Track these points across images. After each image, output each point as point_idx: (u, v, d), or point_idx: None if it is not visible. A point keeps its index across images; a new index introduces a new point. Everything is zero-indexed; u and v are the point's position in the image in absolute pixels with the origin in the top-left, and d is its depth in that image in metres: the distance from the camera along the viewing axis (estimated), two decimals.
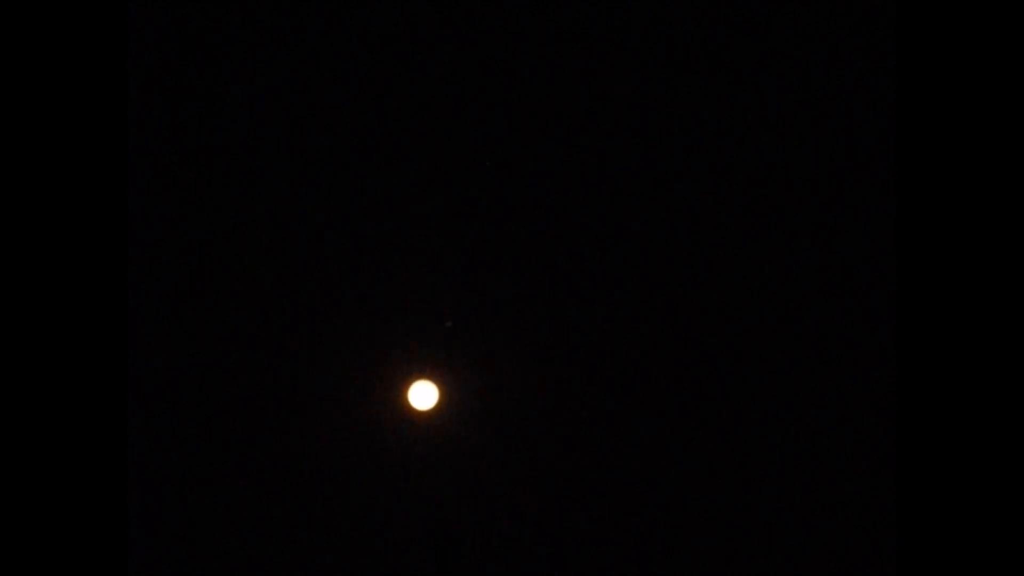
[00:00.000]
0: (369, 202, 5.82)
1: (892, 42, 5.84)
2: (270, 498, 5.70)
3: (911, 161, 4.56)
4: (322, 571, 5.68)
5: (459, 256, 5.80)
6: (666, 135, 5.96)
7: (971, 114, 4.50)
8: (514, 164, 5.86)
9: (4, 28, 4.44)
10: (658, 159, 5.94)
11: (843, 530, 5.84)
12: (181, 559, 5.67)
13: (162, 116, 5.87)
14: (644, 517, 5.80)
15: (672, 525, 5.78)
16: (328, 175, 5.84)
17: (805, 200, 5.93)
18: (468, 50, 5.94)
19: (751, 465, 5.85)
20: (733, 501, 5.83)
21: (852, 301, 5.92)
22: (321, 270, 5.79)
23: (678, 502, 5.79)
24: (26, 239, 4.41)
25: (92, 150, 4.49)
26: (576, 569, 5.77)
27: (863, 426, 5.87)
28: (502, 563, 5.70)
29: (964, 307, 4.44)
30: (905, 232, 4.54)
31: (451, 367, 5.63)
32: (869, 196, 5.91)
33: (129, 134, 5.43)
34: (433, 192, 5.85)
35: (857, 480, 5.85)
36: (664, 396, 5.85)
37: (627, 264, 5.87)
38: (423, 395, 5.65)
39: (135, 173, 5.72)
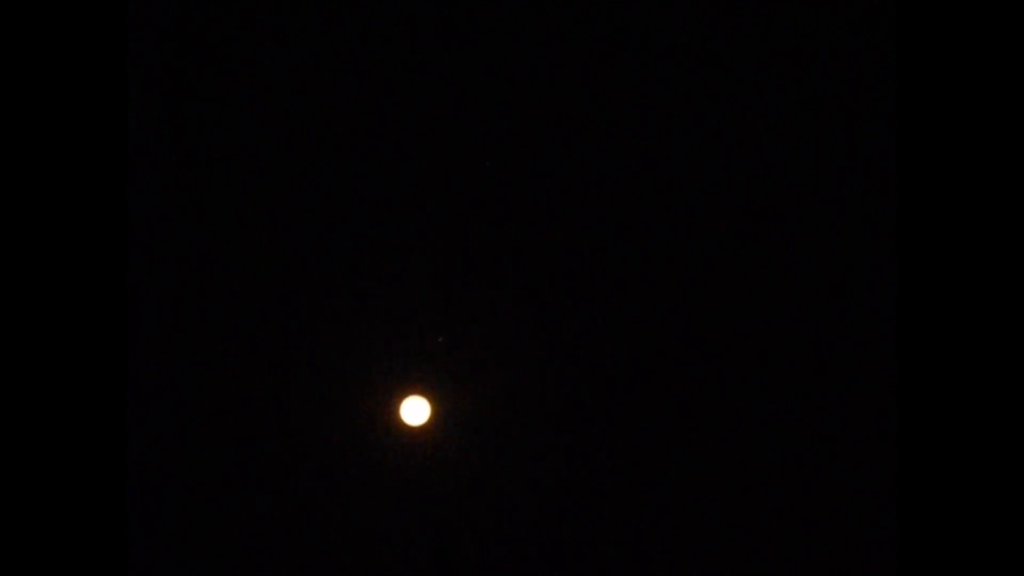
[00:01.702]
0: (364, 215, 5.82)
1: (892, 42, 5.84)
2: (262, 514, 5.69)
3: (911, 161, 4.55)
4: None
5: (452, 270, 5.80)
6: (662, 139, 5.95)
7: (971, 114, 4.50)
8: (508, 176, 5.86)
9: (4, 28, 4.44)
10: (653, 166, 5.94)
11: (843, 530, 5.84)
12: (174, 569, 5.67)
13: (162, 116, 5.86)
14: (640, 530, 5.80)
15: (669, 538, 5.77)
16: (322, 187, 5.83)
17: (805, 200, 5.93)
18: (467, 51, 5.94)
19: (750, 476, 5.85)
20: (731, 514, 5.82)
21: (852, 301, 5.91)
22: (313, 283, 5.79)
23: (675, 515, 5.79)
24: (26, 239, 4.41)
25: (93, 150, 4.49)
26: None
27: (863, 426, 5.87)
28: None
29: (964, 307, 4.44)
30: (905, 232, 4.54)
31: (443, 382, 5.62)
32: (869, 196, 5.91)
33: (129, 134, 5.43)
34: (428, 205, 5.85)
35: (857, 481, 5.85)
36: (660, 409, 5.85)
37: (621, 277, 5.87)
38: (415, 410, 5.65)
39: (135, 173, 5.72)
